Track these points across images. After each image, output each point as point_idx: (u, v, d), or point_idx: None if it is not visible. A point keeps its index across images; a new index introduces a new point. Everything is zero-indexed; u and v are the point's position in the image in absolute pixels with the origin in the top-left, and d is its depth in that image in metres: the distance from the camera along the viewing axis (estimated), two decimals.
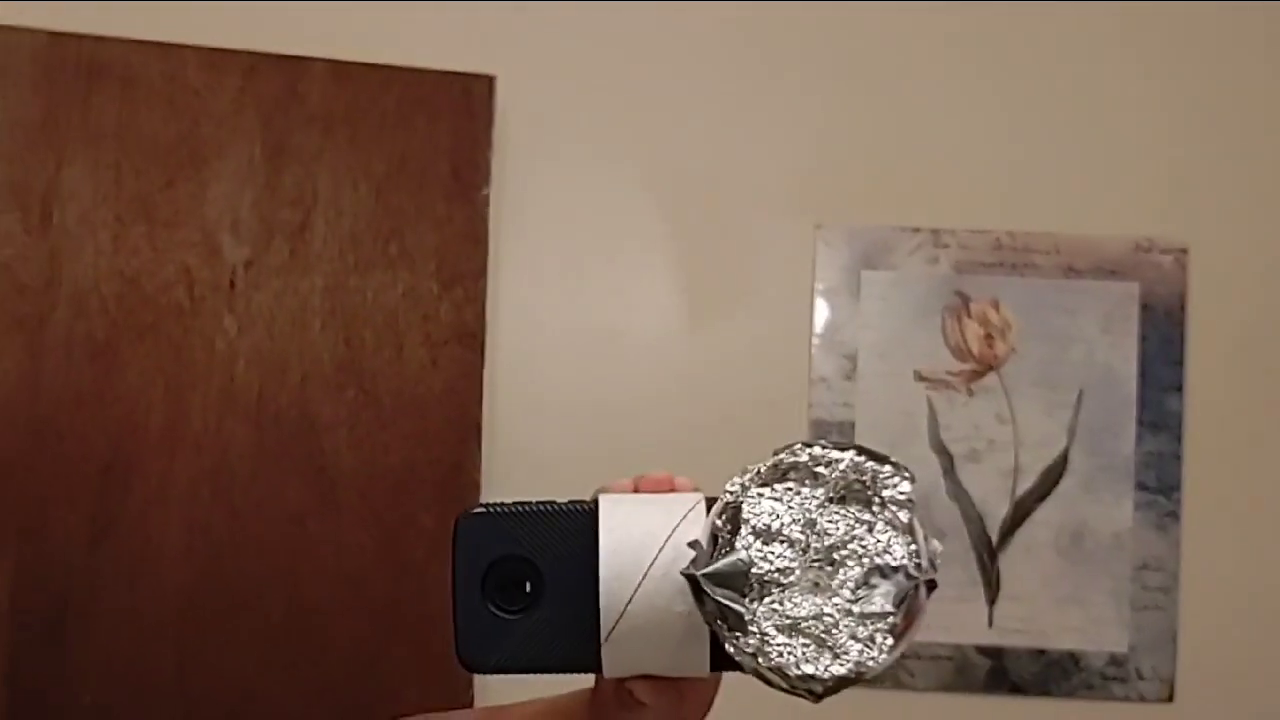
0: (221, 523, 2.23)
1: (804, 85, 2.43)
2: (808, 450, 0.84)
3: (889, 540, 0.82)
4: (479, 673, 0.89)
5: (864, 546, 0.82)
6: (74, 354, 2.20)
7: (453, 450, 2.30)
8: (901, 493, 0.83)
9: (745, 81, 2.43)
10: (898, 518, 0.83)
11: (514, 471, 2.35)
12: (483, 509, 0.90)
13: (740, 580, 0.82)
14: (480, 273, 2.33)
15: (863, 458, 0.84)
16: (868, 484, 0.83)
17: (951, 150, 2.43)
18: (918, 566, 0.82)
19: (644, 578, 0.84)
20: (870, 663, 0.81)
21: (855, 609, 0.82)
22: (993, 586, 2.39)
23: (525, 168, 2.39)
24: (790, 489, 0.83)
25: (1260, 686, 2.37)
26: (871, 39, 2.43)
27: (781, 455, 0.84)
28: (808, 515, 0.82)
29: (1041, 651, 2.38)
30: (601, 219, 2.42)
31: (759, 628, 0.81)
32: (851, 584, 0.82)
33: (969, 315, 2.41)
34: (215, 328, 2.27)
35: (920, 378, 2.41)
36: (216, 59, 2.28)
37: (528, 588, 0.88)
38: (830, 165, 2.43)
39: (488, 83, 2.34)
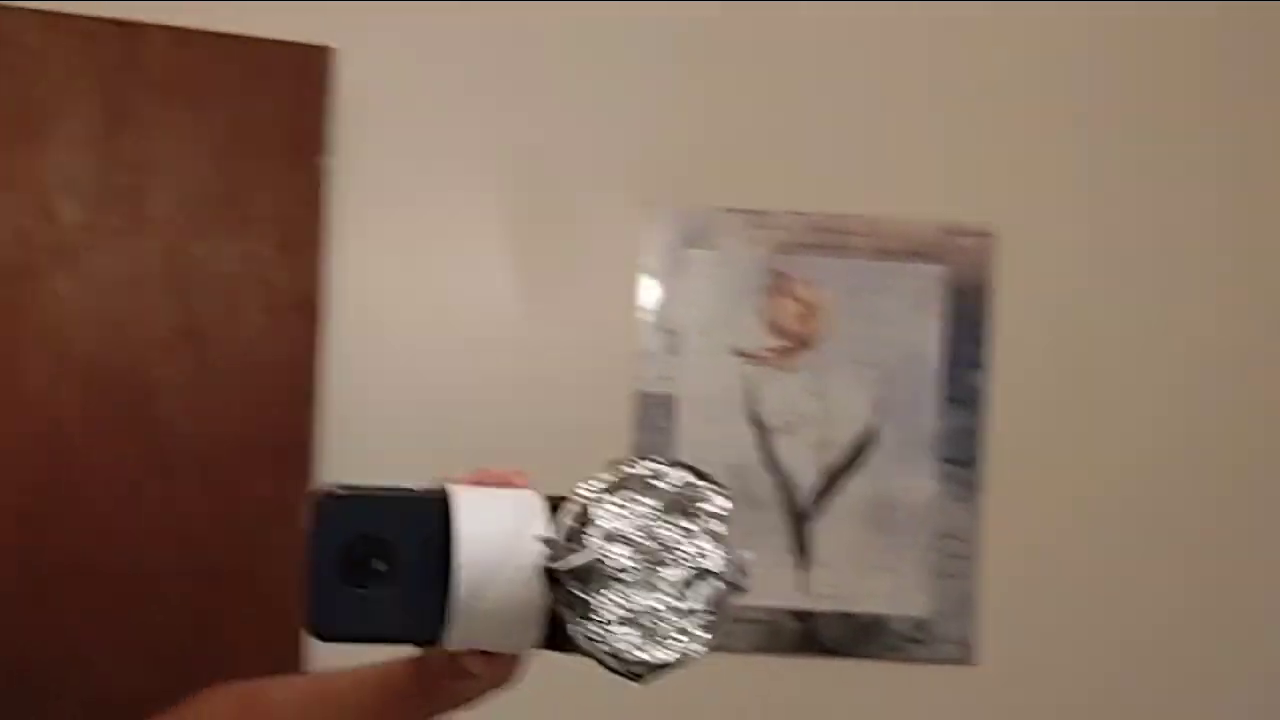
0: (55, 486, 2.25)
1: (636, 69, 2.52)
2: (645, 464, 0.96)
3: (707, 549, 0.95)
4: (329, 641, 0.97)
5: (688, 553, 0.95)
6: None
7: (289, 417, 2.34)
8: (720, 508, 0.96)
9: (580, 63, 2.51)
10: (715, 529, 0.95)
11: (350, 438, 2.40)
12: (342, 489, 0.98)
13: (591, 575, 0.94)
14: (318, 241, 2.38)
15: (691, 475, 0.96)
16: (693, 498, 0.96)
17: (773, 135, 2.54)
18: (729, 572, 0.95)
19: (495, 564, 0.94)
20: (689, 652, 0.95)
21: (679, 605, 0.94)
22: (804, 553, 2.51)
23: (365, 139, 2.44)
24: (631, 497, 0.95)
25: (1053, 650, 2.53)
26: (700, 26, 2.52)
27: (624, 467, 0.96)
28: (645, 522, 0.95)
29: (849, 615, 2.51)
30: (439, 192, 2.48)
31: (602, 617, 0.93)
32: (676, 584, 0.95)
33: (786, 294, 2.53)
34: (49, 290, 2.28)
35: (739, 353, 2.52)
36: (55, 21, 2.28)
37: (377, 566, 0.96)
38: (658, 147, 2.52)
39: (327, 54, 2.38)
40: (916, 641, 2.51)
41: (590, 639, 0.94)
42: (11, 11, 2.27)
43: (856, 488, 2.52)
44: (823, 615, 2.50)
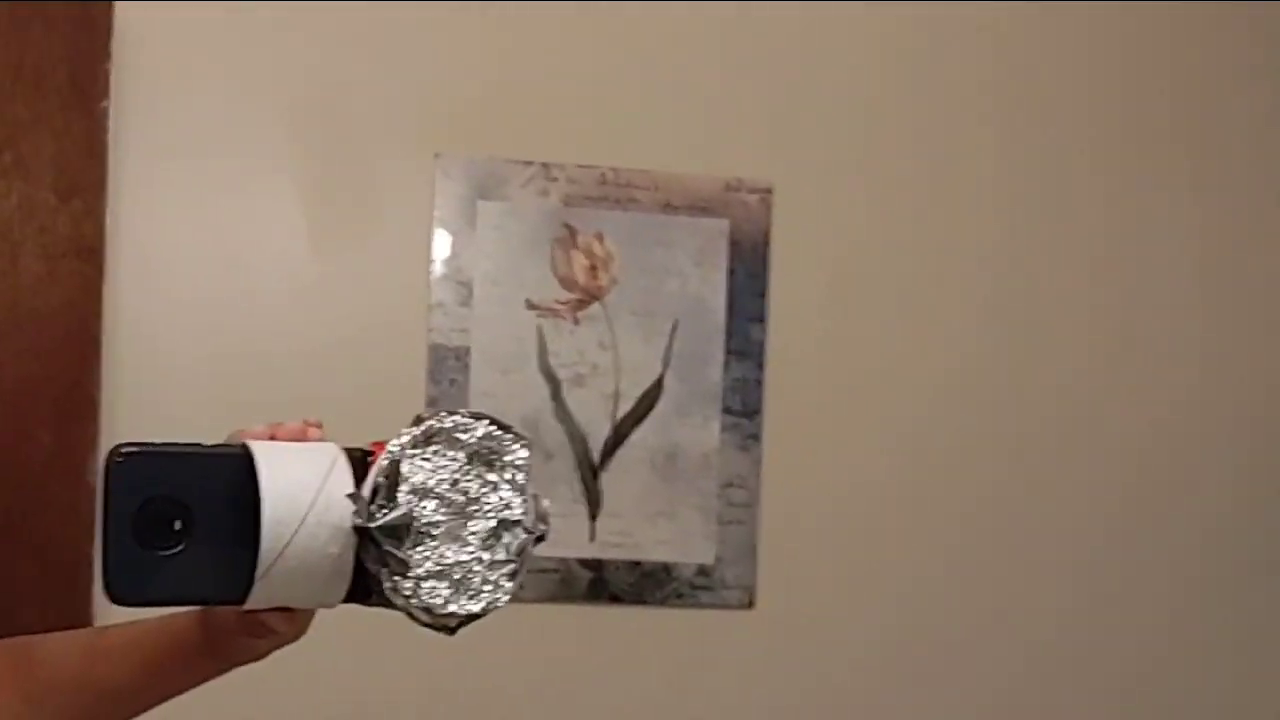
0: None
1: (426, 19, 2.50)
2: (450, 418, 0.97)
3: (510, 498, 0.97)
4: (127, 605, 0.96)
5: (491, 504, 0.97)
6: None
7: (71, 366, 2.26)
8: (520, 458, 0.98)
9: (370, 10, 2.47)
10: (516, 480, 0.98)
11: (134, 388, 2.34)
12: (134, 448, 0.96)
13: (404, 531, 0.95)
14: (100, 186, 2.30)
15: (493, 427, 0.98)
16: (495, 449, 0.97)
17: (564, 86, 2.55)
18: (532, 521, 0.99)
19: (301, 522, 0.93)
20: (496, 602, 0.97)
21: (485, 557, 0.96)
22: (594, 503, 2.54)
23: (148, 83, 2.36)
24: (437, 451, 0.96)
25: (831, 594, 2.61)
26: None
27: (430, 421, 0.96)
28: (452, 475, 0.96)
29: (637, 563, 2.55)
30: (226, 139, 2.42)
31: (415, 573, 0.95)
32: (483, 535, 0.97)
33: (576, 247, 2.54)
34: None
35: (531, 305, 2.53)
36: None
37: (176, 526, 0.95)
38: (450, 96, 2.51)
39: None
40: (701, 588, 2.57)
41: (403, 595, 0.95)
42: None
43: (643, 438, 2.56)
44: (611, 563, 2.54)
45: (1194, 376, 2.72)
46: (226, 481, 0.94)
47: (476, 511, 0.97)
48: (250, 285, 2.42)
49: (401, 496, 0.95)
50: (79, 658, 1.15)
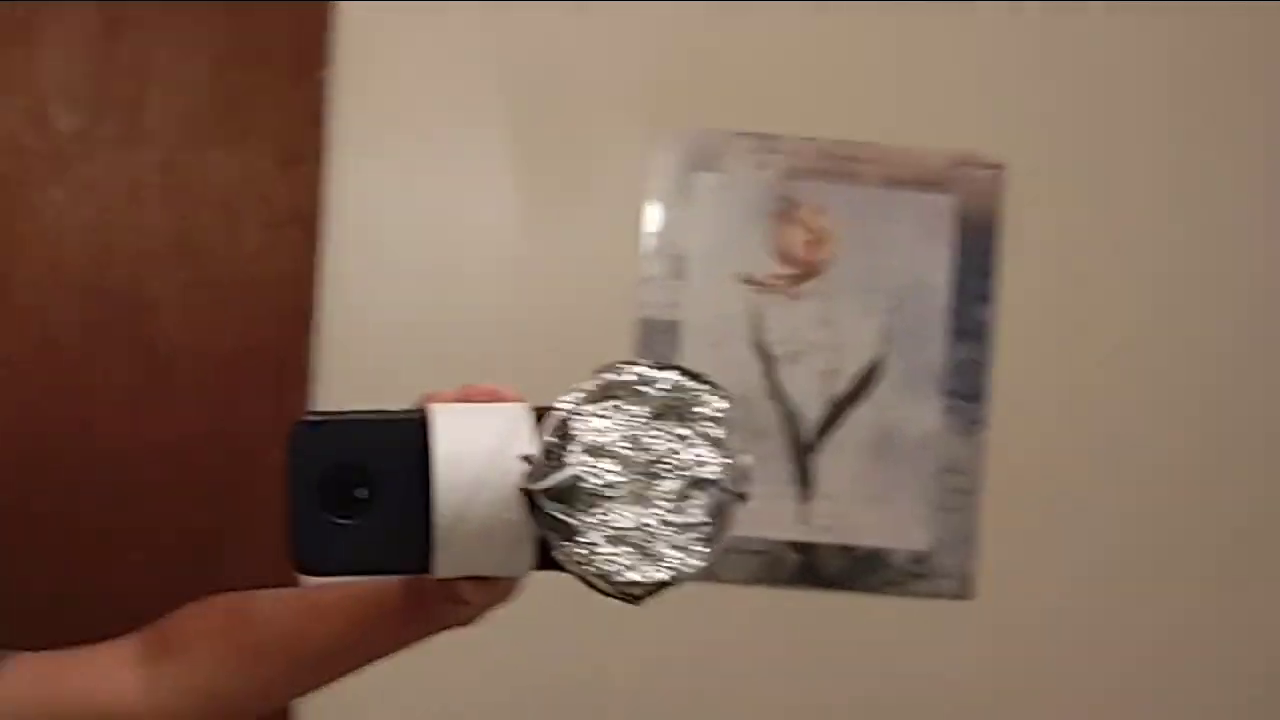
0: (49, 400, 2.21)
1: None
2: (632, 369, 0.90)
3: (704, 455, 0.89)
4: (315, 576, 0.94)
5: (681, 461, 0.89)
6: None
7: (287, 332, 2.30)
8: (717, 410, 0.90)
9: None
10: (711, 434, 0.89)
11: (348, 357, 2.36)
12: (317, 417, 0.95)
13: (572, 494, 0.88)
14: (318, 155, 2.33)
15: (683, 377, 0.90)
16: (686, 401, 0.89)
17: (785, 58, 2.48)
18: (730, 480, 0.89)
19: (477, 486, 0.89)
20: (686, 569, 0.89)
21: (673, 519, 0.88)
22: (806, 485, 2.48)
23: (368, 55, 2.38)
24: (616, 406, 0.89)
25: (1051, 587, 2.51)
26: None
27: (608, 374, 0.90)
28: (632, 431, 0.89)
29: (849, 548, 2.48)
30: (443, 108, 2.42)
31: (587, 538, 0.88)
32: (670, 496, 0.89)
33: (795, 221, 2.48)
34: (43, 199, 2.23)
35: (746, 280, 2.47)
36: None
37: (360, 494, 0.92)
38: (666, 68, 2.47)
39: None
40: (915, 575, 2.49)
41: (577, 561, 0.89)
42: None
43: (860, 419, 2.49)
44: (823, 547, 2.48)
45: None
46: (407, 446, 0.91)
47: (663, 470, 0.89)
48: (463, 256, 2.43)
49: (571, 456, 0.88)
50: (292, 616, 1.15)
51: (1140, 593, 2.51)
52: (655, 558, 0.89)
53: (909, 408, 2.49)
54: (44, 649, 1.22)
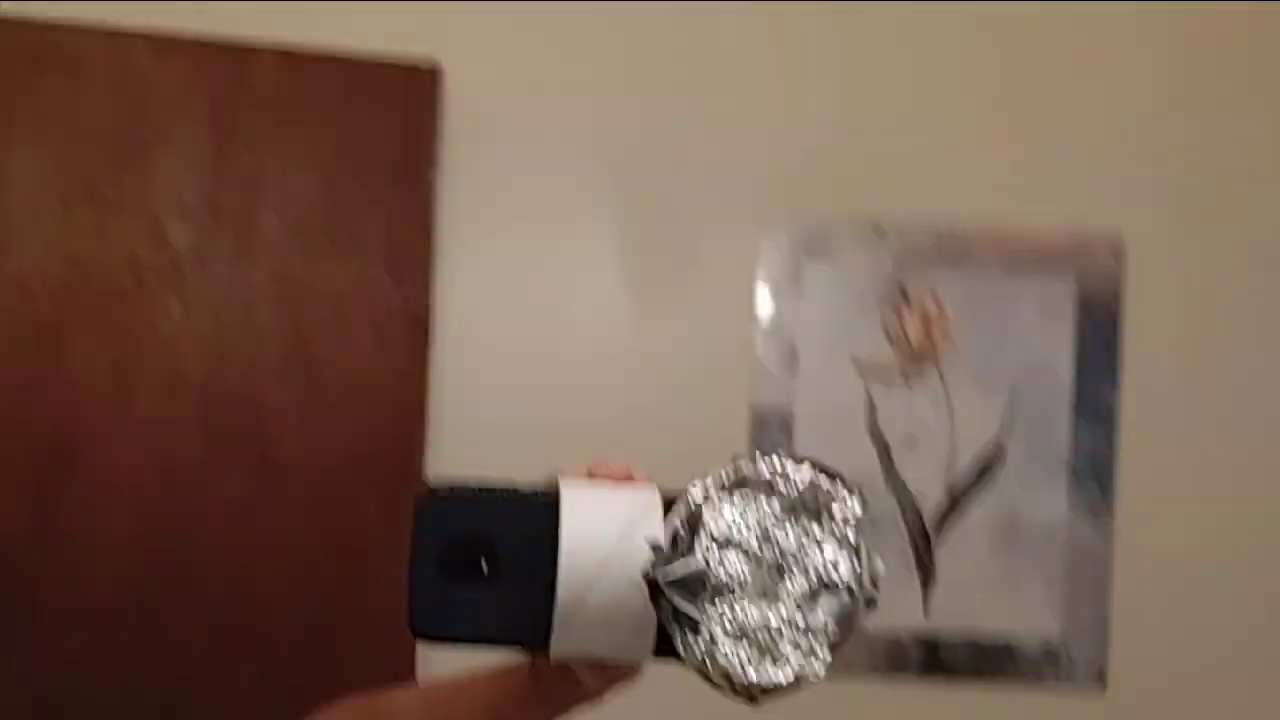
0: (167, 509, 2.25)
1: (752, 76, 2.46)
2: (767, 460, 0.87)
3: (836, 557, 0.86)
4: (430, 641, 0.93)
5: (812, 561, 0.86)
6: (18, 337, 2.21)
7: (400, 437, 2.32)
8: (853, 512, 0.87)
9: (690, 71, 2.45)
10: (847, 536, 0.87)
11: (461, 459, 2.38)
12: (447, 487, 0.93)
13: (698, 585, 0.86)
14: (428, 259, 2.35)
15: (819, 473, 0.87)
16: (821, 500, 0.86)
17: (891, 141, 2.46)
18: (860, 585, 0.87)
19: (601, 569, 0.87)
20: (809, 673, 0.86)
21: (799, 620, 0.86)
22: (928, 573, 2.43)
23: (473, 156, 2.41)
24: (748, 498, 0.86)
25: (1188, 675, 2.42)
26: (817, 32, 2.46)
27: (741, 463, 0.87)
28: (763, 526, 0.86)
29: (975, 638, 2.43)
30: (548, 207, 2.44)
31: (709, 631, 0.85)
32: (798, 596, 0.86)
33: (909, 306, 2.45)
34: (161, 313, 2.28)
35: (860, 368, 2.44)
36: (165, 45, 2.28)
37: (483, 567, 0.92)
38: (774, 155, 2.46)
39: (433, 72, 2.36)
40: (1046, 666, 2.42)
41: (697, 655, 0.87)
42: (123, 36, 2.27)
43: (983, 506, 2.44)
44: (947, 637, 2.43)
45: None
46: (534, 523, 0.90)
47: (792, 568, 0.87)
48: (573, 352, 2.43)
49: (700, 546, 0.86)
50: (422, 708, 1.17)
51: (1275, 684, 2.42)
52: (777, 658, 0.86)
53: (1033, 493, 2.44)
54: None
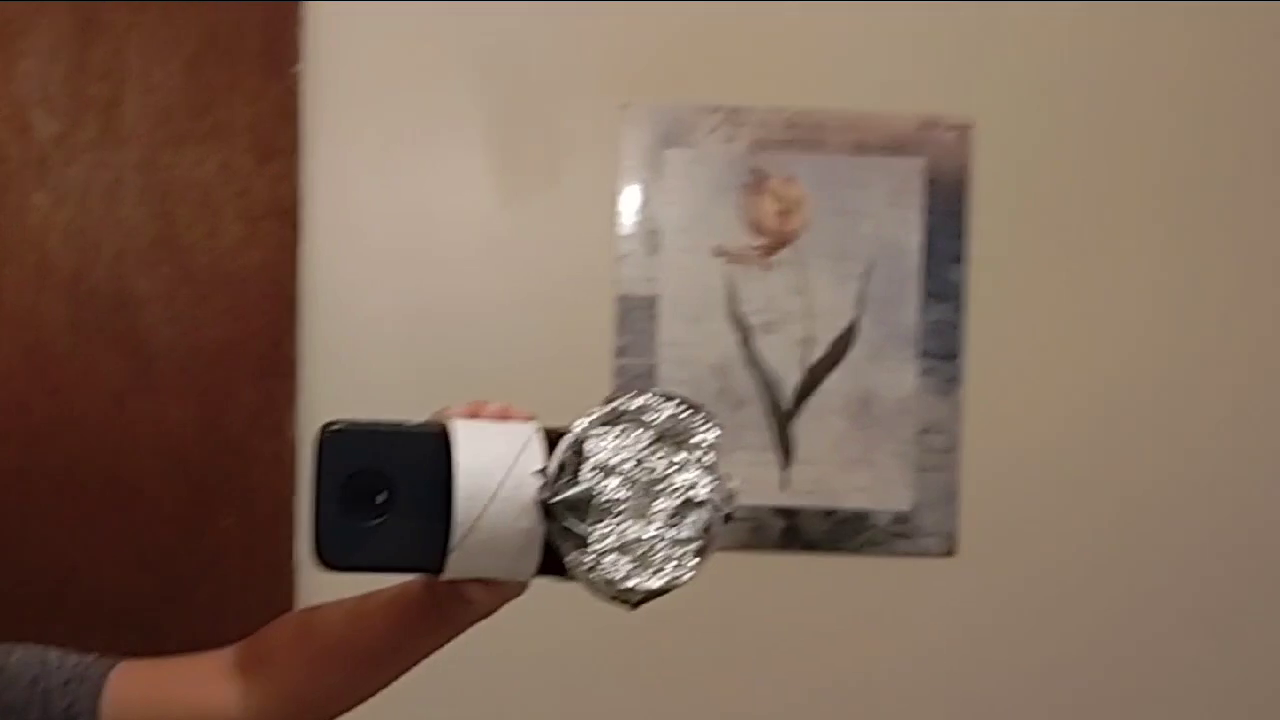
0: (39, 401, 2.26)
1: None
2: (639, 399, 1.00)
3: (698, 478, 1.00)
4: (336, 571, 1.02)
5: (678, 483, 1.00)
6: None
7: (271, 325, 2.35)
8: (710, 439, 1.01)
9: None
10: (704, 460, 1.00)
11: (333, 345, 2.41)
12: (344, 424, 1.02)
13: (584, 506, 0.98)
14: (294, 148, 2.37)
15: (682, 408, 1.00)
16: (683, 429, 1.00)
17: (747, 28, 2.52)
18: (720, 501, 1.01)
19: (492, 498, 0.98)
20: (678, 579, 1.01)
21: (670, 534, 1.00)
22: (786, 451, 2.53)
23: (338, 44, 2.42)
24: (625, 430, 0.99)
25: (1034, 542, 2.56)
26: None
27: (618, 402, 0.99)
28: (637, 454, 0.99)
29: (832, 511, 2.53)
30: (415, 96, 2.46)
31: (595, 547, 0.98)
32: (667, 513, 1.00)
33: (765, 191, 2.52)
34: (27, 204, 2.28)
35: (720, 253, 2.52)
36: None
37: (380, 498, 0.99)
38: (633, 45, 2.50)
39: None
40: (898, 535, 2.54)
41: (585, 568, 0.98)
42: None
43: (837, 384, 2.54)
44: (806, 511, 2.53)
45: None
46: (427, 457, 0.99)
47: (661, 489, 0.99)
48: (441, 240, 2.47)
49: (584, 473, 0.98)
50: (343, 622, 1.27)
51: (1119, 546, 2.56)
52: (652, 568, 0.99)
53: (885, 371, 2.54)
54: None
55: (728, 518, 1.03)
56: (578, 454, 0.98)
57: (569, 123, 2.50)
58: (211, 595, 2.29)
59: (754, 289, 2.52)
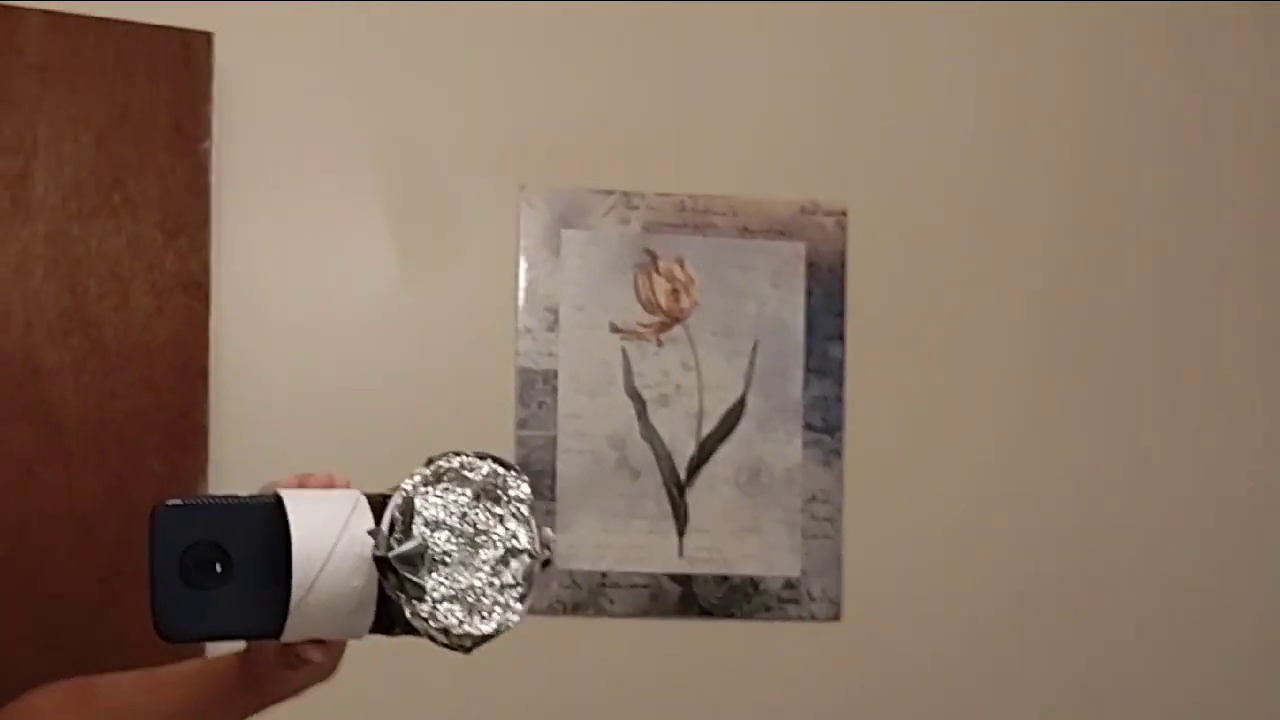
0: None
1: (509, 54, 2.59)
2: (457, 458, 1.07)
3: (516, 529, 1.08)
4: (177, 642, 1.07)
5: (498, 534, 1.07)
6: None
7: (180, 396, 2.35)
8: (523, 493, 1.09)
9: (452, 50, 2.57)
10: (521, 512, 1.08)
11: (240, 415, 2.43)
12: (178, 501, 1.08)
13: (418, 559, 1.05)
14: (204, 223, 2.39)
15: (496, 465, 1.08)
16: (499, 485, 1.08)
17: (640, 118, 2.64)
18: (537, 549, 1.08)
19: (328, 557, 1.04)
20: (507, 623, 1.07)
21: (495, 581, 1.06)
22: (681, 519, 2.61)
23: (246, 123, 2.46)
24: (447, 489, 1.06)
25: (916, 604, 2.67)
26: (577, 24, 2.61)
27: (439, 462, 1.07)
28: (461, 509, 1.06)
29: (725, 578, 2.61)
30: (319, 176, 2.52)
31: (430, 597, 1.04)
32: (491, 562, 1.06)
33: (658, 272, 2.62)
34: None
35: (615, 329, 2.61)
36: None
37: (218, 569, 1.05)
38: (532, 130, 2.59)
39: (206, 39, 2.40)
40: (788, 600, 2.63)
41: (421, 618, 1.05)
42: None
43: (728, 455, 2.63)
44: (700, 578, 2.61)
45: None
46: (261, 527, 1.05)
47: (485, 541, 1.06)
48: (345, 315, 2.52)
49: (416, 529, 1.04)
50: (131, 691, 1.26)
51: (995, 609, 2.69)
52: (482, 613, 1.06)
53: (773, 443, 2.64)
54: None
55: (546, 564, 1.09)
56: (408, 511, 1.04)
57: (469, 202, 2.57)
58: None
59: (649, 364, 2.61)
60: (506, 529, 1.06)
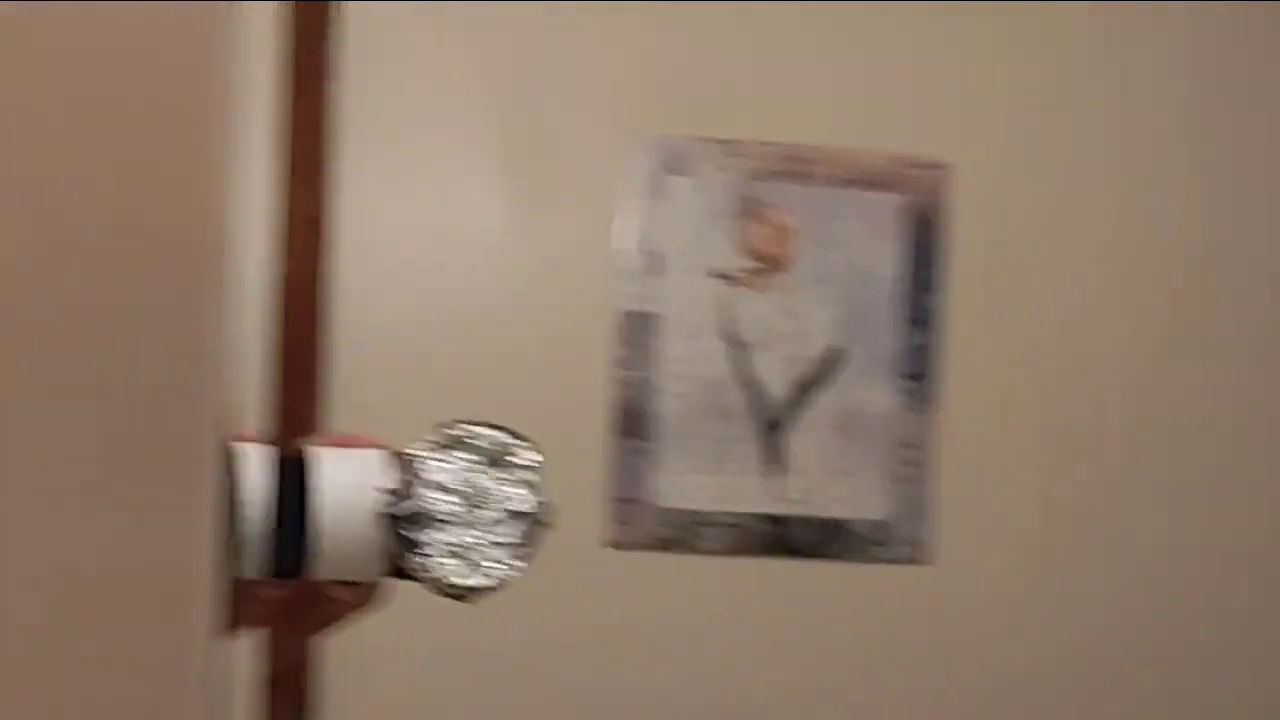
0: None
1: (623, 3, 2.66)
2: (464, 427, 1.16)
3: (518, 493, 1.17)
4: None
5: (500, 497, 1.16)
6: None
7: (301, 329, 2.48)
8: (531, 460, 1.18)
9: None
10: (526, 479, 1.17)
11: (357, 348, 2.54)
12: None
13: (420, 518, 1.15)
14: (324, 164, 2.50)
15: (504, 434, 1.17)
16: (505, 454, 1.17)
17: (747, 67, 2.70)
18: (539, 513, 1.17)
19: (346, 510, 1.15)
20: (505, 577, 1.16)
21: (496, 540, 1.15)
22: (775, 462, 2.69)
23: (365, 64, 2.56)
24: (454, 454, 1.16)
25: (1001, 550, 2.74)
26: None
27: (446, 429, 1.16)
28: (465, 474, 1.15)
29: (816, 519, 2.70)
30: (434, 119, 2.61)
31: (429, 552, 1.15)
32: (492, 523, 1.15)
33: (759, 220, 2.69)
34: None
35: (716, 274, 2.68)
36: None
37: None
38: (642, 78, 2.67)
39: None
40: (875, 543, 2.71)
41: (423, 570, 1.15)
42: None
43: (824, 400, 2.70)
44: (792, 519, 2.69)
45: None
46: (290, 478, 1.16)
47: (486, 503, 1.15)
48: (456, 253, 2.61)
49: (417, 490, 1.15)
50: None
51: (1086, 555, 2.75)
52: (481, 569, 1.15)
53: (867, 389, 2.71)
54: None
55: (547, 526, 1.17)
56: (414, 473, 1.14)
57: (578, 147, 2.65)
58: None
59: (748, 310, 2.68)
60: (510, 493, 1.15)
